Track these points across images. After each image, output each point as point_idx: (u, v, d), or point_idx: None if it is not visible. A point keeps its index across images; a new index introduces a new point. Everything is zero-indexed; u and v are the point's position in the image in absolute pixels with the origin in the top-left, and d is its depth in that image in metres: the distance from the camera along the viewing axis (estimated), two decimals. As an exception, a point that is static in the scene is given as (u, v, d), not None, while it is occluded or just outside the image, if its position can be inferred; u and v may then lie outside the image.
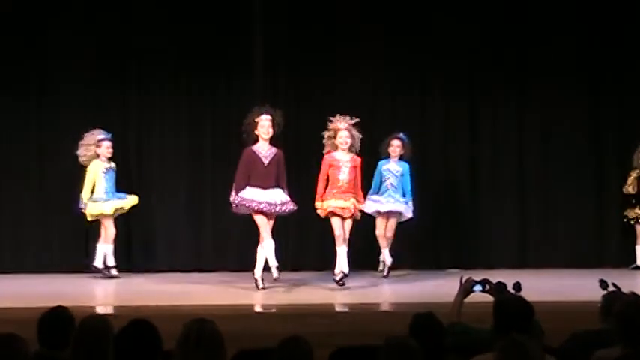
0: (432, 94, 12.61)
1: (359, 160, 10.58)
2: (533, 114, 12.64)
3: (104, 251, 11.31)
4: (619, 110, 12.59)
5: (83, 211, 11.31)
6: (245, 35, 12.09)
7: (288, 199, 10.25)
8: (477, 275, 5.90)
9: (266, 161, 10.23)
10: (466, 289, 5.81)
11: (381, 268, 11.48)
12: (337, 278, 10.21)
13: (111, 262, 11.34)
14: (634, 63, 12.44)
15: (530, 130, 12.65)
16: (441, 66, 12.47)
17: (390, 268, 11.37)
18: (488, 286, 5.74)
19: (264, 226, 10.11)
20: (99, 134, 11.37)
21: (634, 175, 12.09)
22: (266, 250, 10.08)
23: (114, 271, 11.31)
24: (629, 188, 12.12)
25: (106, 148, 11.37)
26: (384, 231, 11.28)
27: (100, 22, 12.01)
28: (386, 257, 11.33)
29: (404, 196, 11.34)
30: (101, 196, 11.27)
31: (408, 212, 11.34)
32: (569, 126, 12.58)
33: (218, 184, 11.73)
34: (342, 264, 10.24)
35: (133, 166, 12.24)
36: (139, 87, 12.28)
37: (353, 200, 10.39)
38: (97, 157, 11.35)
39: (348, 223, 10.38)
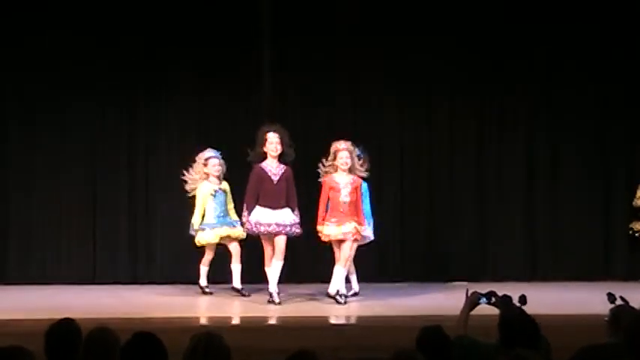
0: (440, 105, 12.58)
1: (360, 181, 10.39)
2: (542, 126, 12.62)
3: (204, 271, 11.04)
4: (628, 122, 12.56)
5: (193, 235, 10.95)
6: (253, 45, 12.06)
7: (297, 220, 10.26)
8: (484, 288, 5.88)
9: (275, 178, 10.24)
10: (472, 301, 5.79)
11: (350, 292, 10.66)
12: (341, 300, 10.14)
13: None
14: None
15: (538, 143, 12.61)
16: (450, 76, 12.45)
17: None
18: (493, 299, 5.72)
19: (269, 248, 10.19)
20: (206, 152, 10.92)
21: (643, 187, 12.13)
22: (272, 270, 10.15)
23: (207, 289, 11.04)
24: (639, 201, 12.11)
25: (212, 166, 10.85)
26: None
27: (103, 24, 11.99)
28: (353, 283, 10.76)
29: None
30: (210, 222, 10.84)
31: (369, 235, 10.81)
32: (578, 138, 12.54)
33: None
34: (338, 283, 10.18)
35: (141, 178, 12.23)
36: (146, 94, 12.26)
37: (354, 224, 10.21)
38: (206, 177, 10.89)
39: (348, 245, 10.19)
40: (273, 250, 10.19)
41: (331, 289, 10.16)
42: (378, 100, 12.48)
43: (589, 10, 12.42)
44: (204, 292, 10.94)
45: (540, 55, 12.52)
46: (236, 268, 10.81)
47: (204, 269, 11.02)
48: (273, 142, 10.25)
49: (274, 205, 10.19)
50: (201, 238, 10.90)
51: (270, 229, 10.13)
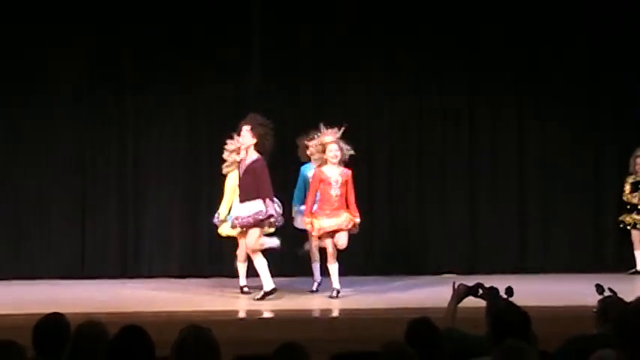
0: (430, 98, 12.58)
1: (349, 172, 10.18)
2: (532, 120, 12.65)
3: (241, 270, 10.47)
4: (616, 116, 12.59)
5: (217, 225, 10.58)
6: (242, 38, 12.06)
7: (258, 210, 9.87)
8: (474, 280, 5.89)
9: (241, 172, 10.02)
10: (459, 294, 5.80)
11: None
12: (332, 294, 10.06)
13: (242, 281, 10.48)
14: (632, 70, 12.44)
15: (528, 136, 12.64)
16: (440, 70, 12.48)
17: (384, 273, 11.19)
18: (481, 291, 5.73)
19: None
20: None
21: (630, 180, 12.13)
22: (259, 268, 10.00)
23: (245, 289, 10.42)
24: (629, 196, 12.12)
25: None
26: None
27: (95, 25, 11.98)
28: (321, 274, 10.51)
29: None
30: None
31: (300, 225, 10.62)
32: (568, 132, 12.58)
33: (214, 190, 11.70)
34: (334, 281, 10.11)
35: (130, 171, 12.22)
36: (136, 88, 12.24)
37: (346, 214, 10.06)
38: (237, 166, 10.24)
39: (343, 235, 10.05)
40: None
41: (336, 285, 10.08)
42: (368, 94, 12.49)
43: (589, 17, 12.52)
44: (243, 292, 10.41)
45: (535, 55, 12.56)
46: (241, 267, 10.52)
47: (241, 266, 10.47)
48: (242, 135, 9.99)
49: (240, 199, 10.00)
50: (222, 230, 10.55)
51: (236, 223, 10.02)
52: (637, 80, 12.43)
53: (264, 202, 9.88)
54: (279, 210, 10.14)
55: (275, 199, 10.11)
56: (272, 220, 9.93)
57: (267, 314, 9.22)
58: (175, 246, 12.18)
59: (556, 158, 12.59)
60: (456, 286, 5.83)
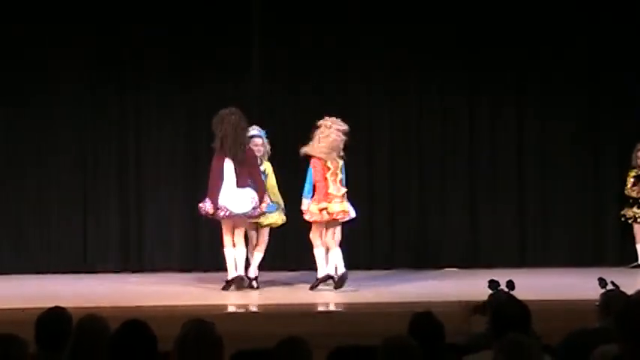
0: (430, 98, 12.59)
1: (312, 161, 10.06)
2: (532, 114, 12.65)
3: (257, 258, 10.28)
4: (617, 110, 12.59)
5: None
6: (242, 38, 12.07)
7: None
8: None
9: None
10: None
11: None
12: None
13: (252, 273, 10.21)
14: (632, 70, 12.46)
15: (528, 136, 12.65)
16: (440, 70, 12.50)
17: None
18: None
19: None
20: (251, 130, 10.08)
21: (632, 174, 12.12)
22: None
23: (254, 283, 10.19)
24: (630, 190, 12.12)
25: (254, 146, 10.03)
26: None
27: (95, 25, 12.00)
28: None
29: None
30: None
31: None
32: (568, 126, 12.59)
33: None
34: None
35: (130, 171, 12.22)
36: (136, 88, 12.26)
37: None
38: None
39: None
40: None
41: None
42: (368, 94, 12.50)
43: (588, 14, 12.55)
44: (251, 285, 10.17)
45: (535, 51, 12.57)
46: (256, 256, 10.29)
47: (256, 255, 10.26)
48: None
49: None
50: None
51: None
52: (637, 80, 12.45)
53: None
54: (225, 204, 10.00)
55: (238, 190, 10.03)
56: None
57: (269, 309, 9.22)
58: (176, 246, 12.17)
59: (556, 158, 12.60)
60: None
